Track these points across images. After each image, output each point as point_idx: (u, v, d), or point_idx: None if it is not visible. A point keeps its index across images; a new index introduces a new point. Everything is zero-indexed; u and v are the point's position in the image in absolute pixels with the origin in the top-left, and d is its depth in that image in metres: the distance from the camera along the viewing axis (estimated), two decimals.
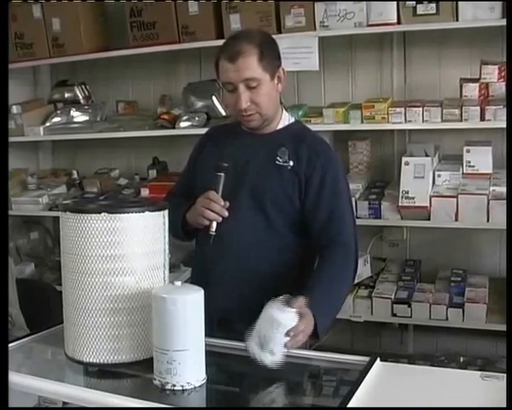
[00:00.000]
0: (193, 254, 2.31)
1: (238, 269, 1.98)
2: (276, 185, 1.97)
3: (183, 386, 1.46)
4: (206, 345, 1.52)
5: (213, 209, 1.90)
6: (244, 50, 1.89)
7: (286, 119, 2.08)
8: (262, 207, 1.97)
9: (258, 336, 1.58)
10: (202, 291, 1.49)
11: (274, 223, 1.97)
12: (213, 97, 3.40)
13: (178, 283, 1.50)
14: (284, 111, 2.10)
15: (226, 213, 1.90)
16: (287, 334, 1.57)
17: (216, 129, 2.30)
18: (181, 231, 2.06)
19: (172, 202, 1.84)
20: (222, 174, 1.92)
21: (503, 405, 1.34)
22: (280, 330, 1.56)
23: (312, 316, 1.69)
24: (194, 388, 1.47)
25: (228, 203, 1.91)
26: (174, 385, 1.46)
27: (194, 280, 2.17)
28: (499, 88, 2.92)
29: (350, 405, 1.37)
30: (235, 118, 2.08)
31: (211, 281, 1.97)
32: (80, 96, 3.89)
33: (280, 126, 2.06)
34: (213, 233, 1.91)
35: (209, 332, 1.90)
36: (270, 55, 1.94)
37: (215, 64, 1.99)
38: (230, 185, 1.93)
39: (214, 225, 1.91)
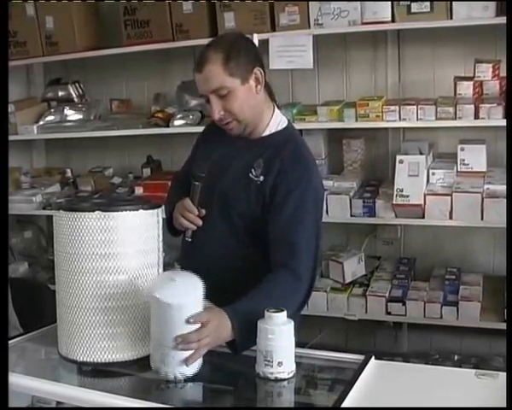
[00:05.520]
0: None
1: (204, 275, 1.73)
2: (244, 199, 1.91)
3: (175, 377, 1.50)
4: None
5: (187, 218, 1.91)
6: (208, 58, 1.82)
7: (275, 124, 1.97)
8: (229, 217, 1.93)
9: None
10: (201, 288, 1.49)
11: (239, 233, 1.93)
12: None
13: (175, 272, 1.51)
14: (276, 114, 1.98)
15: (200, 223, 1.91)
16: (187, 322, 1.48)
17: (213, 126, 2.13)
18: (167, 228, 2.04)
19: (171, 194, 1.91)
20: (199, 184, 1.91)
21: (498, 403, 1.35)
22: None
23: (229, 321, 1.60)
24: (186, 380, 1.50)
25: (203, 211, 1.90)
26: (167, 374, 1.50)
27: None
28: (493, 86, 2.92)
29: (345, 403, 1.37)
30: None
31: None
32: (74, 95, 3.88)
33: (266, 133, 1.95)
34: (189, 239, 1.95)
35: None
36: (240, 58, 1.84)
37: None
38: (206, 192, 1.92)
39: (189, 232, 1.94)
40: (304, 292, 1.81)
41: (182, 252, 2.11)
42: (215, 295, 1.64)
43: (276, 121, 1.97)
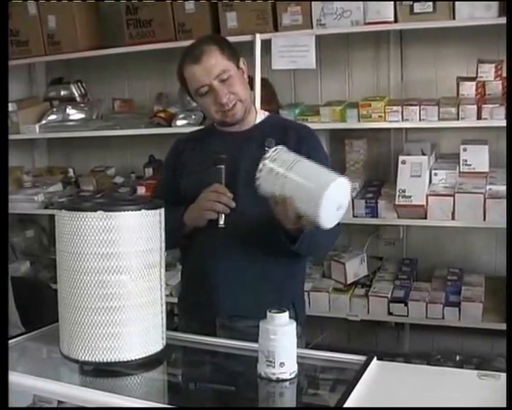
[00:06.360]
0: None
1: (245, 260, 1.94)
2: None
3: None
4: (206, 344, 1.51)
5: (221, 201, 1.88)
6: (205, 50, 1.95)
7: (261, 113, 2.12)
8: (259, 196, 1.93)
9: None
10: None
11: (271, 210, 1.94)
12: None
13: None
14: (257, 106, 2.14)
15: (234, 204, 1.88)
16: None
17: (190, 134, 2.25)
18: (179, 234, 1.99)
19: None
20: (222, 166, 1.90)
21: (500, 404, 1.34)
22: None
23: None
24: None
25: (232, 194, 1.90)
26: None
27: (189, 283, 2.14)
28: (496, 86, 2.92)
29: (347, 404, 1.37)
30: (216, 121, 2.05)
31: (215, 281, 1.97)
32: (76, 94, 3.88)
33: (258, 121, 2.08)
34: (223, 226, 1.88)
35: (212, 332, 1.91)
36: (229, 47, 2.01)
37: (179, 78, 2.01)
38: (225, 180, 1.92)
39: (223, 217, 1.89)
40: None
41: (196, 252, 2.05)
42: (257, 276, 1.94)
43: (261, 112, 2.14)
